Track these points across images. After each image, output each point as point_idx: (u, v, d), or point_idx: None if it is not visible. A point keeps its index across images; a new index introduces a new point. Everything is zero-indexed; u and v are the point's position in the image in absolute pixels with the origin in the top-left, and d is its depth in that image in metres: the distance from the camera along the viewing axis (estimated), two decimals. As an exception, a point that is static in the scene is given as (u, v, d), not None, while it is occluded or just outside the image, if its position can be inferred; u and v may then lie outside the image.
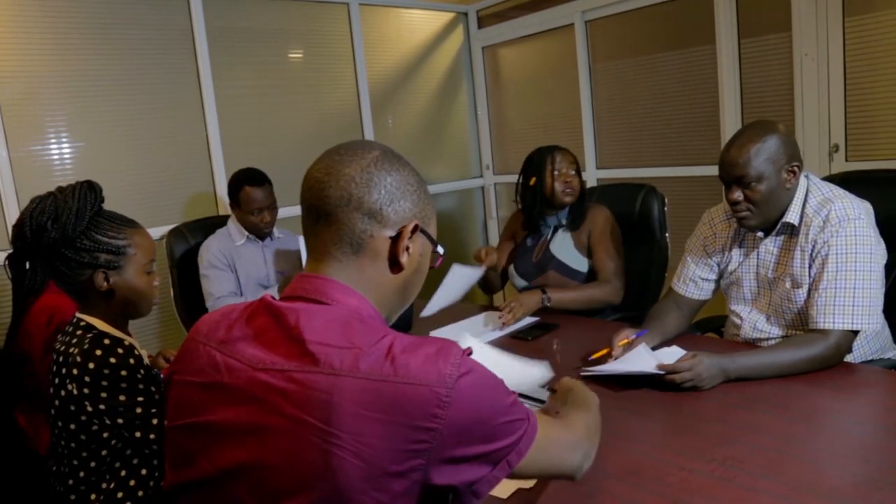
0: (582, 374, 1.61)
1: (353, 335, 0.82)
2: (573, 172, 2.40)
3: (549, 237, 2.45)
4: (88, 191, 1.38)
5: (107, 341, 1.34)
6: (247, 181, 2.66)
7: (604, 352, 1.71)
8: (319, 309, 0.86)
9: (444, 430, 0.78)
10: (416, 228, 0.92)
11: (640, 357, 1.63)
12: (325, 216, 0.89)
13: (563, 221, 2.43)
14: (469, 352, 0.84)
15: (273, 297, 0.91)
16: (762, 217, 1.70)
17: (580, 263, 2.38)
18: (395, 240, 0.91)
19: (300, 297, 0.89)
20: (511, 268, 2.52)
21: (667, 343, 1.79)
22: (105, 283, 1.38)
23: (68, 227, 1.33)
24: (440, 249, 0.98)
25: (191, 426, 0.89)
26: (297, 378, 0.80)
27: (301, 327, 0.83)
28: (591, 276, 2.39)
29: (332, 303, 0.87)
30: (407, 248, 0.92)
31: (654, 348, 1.72)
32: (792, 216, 1.69)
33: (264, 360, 0.83)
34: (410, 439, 0.77)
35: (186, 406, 0.90)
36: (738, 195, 1.68)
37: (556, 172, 2.39)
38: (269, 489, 0.80)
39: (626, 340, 1.71)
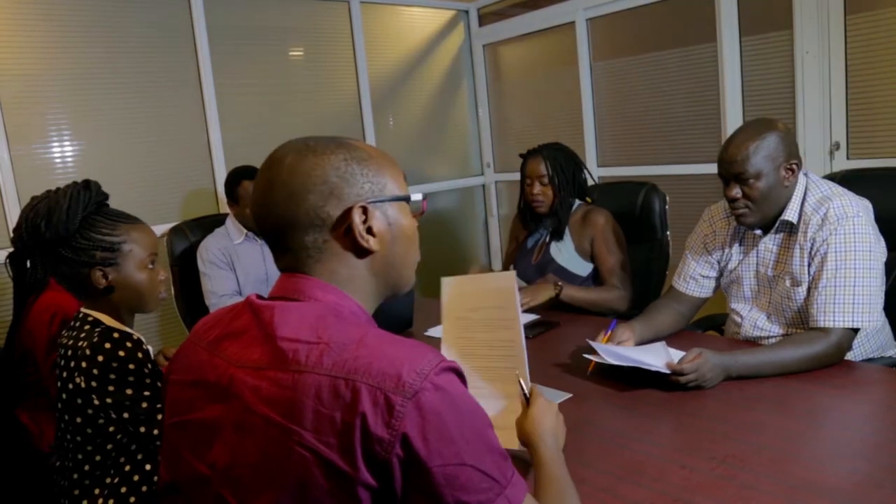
0: (595, 358, 1.61)
1: (323, 331, 0.80)
2: (541, 184, 2.34)
3: (547, 240, 2.43)
4: (82, 189, 1.39)
5: (116, 335, 1.35)
6: (244, 176, 2.67)
7: (605, 339, 1.71)
8: (295, 305, 0.85)
9: (398, 446, 0.72)
10: (364, 210, 0.88)
11: (657, 351, 1.62)
12: (277, 245, 0.90)
13: (549, 229, 2.42)
14: (453, 366, 0.78)
15: (258, 296, 0.90)
16: (760, 214, 1.70)
17: (580, 268, 2.37)
18: (348, 232, 0.87)
19: (281, 296, 0.88)
20: (511, 268, 2.51)
21: (658, 340, 1.79)
22: (103, 281, 1.39)
23: (60, 227, 1.35)
24: (416, 197, 0.94)
25: (180, 424, 0.90)
26: (268, 375, 0.79)
27: (275, 324, 0.83)
28: (594, 281, 2.39)
29: (310, 300, 0.86)
30: (369, 230, 0.88)
31: (643, 343, 1.73)
32: (790, 214, 1.69)
33: (242, 358, 0.83)
34: (364, 445, 0.73)
35: (178, 404, 0.91)
36: (736, 192, 1.68)
37: (527, 181, 2.38)
38: (246, 487, 0.79)
39: (605, 338, 1.71)
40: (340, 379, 0.75)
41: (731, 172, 1.67)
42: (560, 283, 2.23)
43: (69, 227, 1.35)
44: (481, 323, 1.34)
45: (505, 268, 2.62)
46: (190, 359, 0.91)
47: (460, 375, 0.80)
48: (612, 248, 2.32)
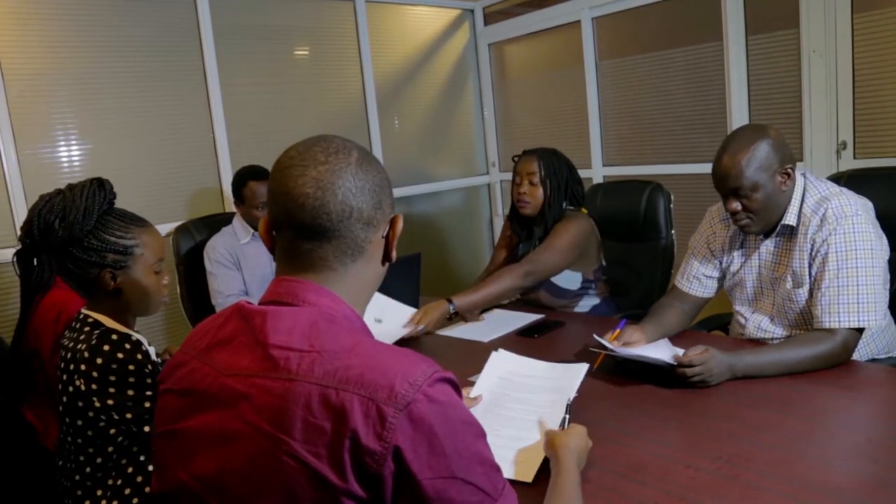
0: (601, 350, 1.63)
1: (316, 338, 0.79)
2: (530, 183, 2.28)
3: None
4: (98, 189, 1.38)
5: (114, 337, 1.34)
6: (251, 176, 2.69)
7: (612, 337, 1.71)
8: (287, 311, 0.84)
9: (390, 459, 0.72)
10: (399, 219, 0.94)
11: (659, 346, 1.64)
12: (325, 232, 0.86)
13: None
14: (447, 376, 0.78)
15: (248, 302, 0.89)
16: (764, 223, 1.69)
17: (570, 281, 2.31)
18: (387, 237, 0.92)
19: (273, 301, 0.87)
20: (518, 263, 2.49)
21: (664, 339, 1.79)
22: (112, 283, 1.39)
23: (76, 227, 1.34)
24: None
25: (169, 433, 0.89)
26: (259, 383, 0.78)
27: (266, 331, 0.82)
28: (588, 293, 2.36)
29: (302, 304, 0.85)
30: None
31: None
32: (790, 217, 1.68)
33: (232, 366, 0.82)
34: (354, 456, 0.72)
35: (167, 413, 0.90)
36: (736, 205, 1.66)
37: (517, 179, 2.33)
38: (233, 496, 0.79)
39: (613, 336, 1.71)
40: (331, 389, 0.74)
41: (728, 187, 1.65)
42: (453, 301, 2.10)
43: (84, 226, 1.34)
44: (527, 387, 1.46)
45: (493, 266, 2.54)
46: (181, 368, 0.90)
47: (455, 386, 0.79)
48: (551, 238, 2.23)
